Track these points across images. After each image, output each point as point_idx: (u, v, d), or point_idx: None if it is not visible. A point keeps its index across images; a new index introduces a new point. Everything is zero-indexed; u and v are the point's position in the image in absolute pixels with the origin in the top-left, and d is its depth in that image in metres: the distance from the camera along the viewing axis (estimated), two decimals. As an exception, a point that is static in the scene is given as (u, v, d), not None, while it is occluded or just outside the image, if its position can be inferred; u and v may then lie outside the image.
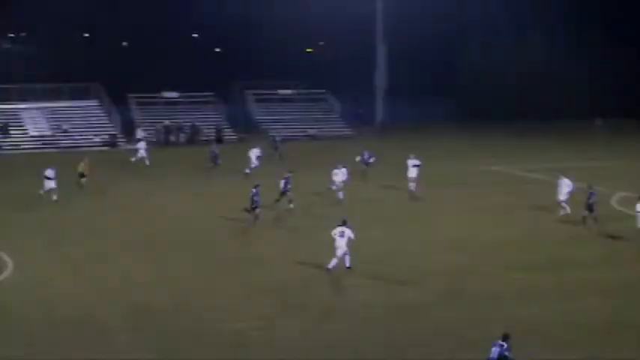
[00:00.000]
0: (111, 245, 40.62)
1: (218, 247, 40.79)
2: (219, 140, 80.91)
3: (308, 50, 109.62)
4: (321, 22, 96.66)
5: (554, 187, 47.28)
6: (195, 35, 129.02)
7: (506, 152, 75.27)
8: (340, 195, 50.96)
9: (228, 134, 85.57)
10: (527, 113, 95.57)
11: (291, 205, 48.15)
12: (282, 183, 48.25)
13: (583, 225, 43.79)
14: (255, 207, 44.12)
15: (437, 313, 31.04)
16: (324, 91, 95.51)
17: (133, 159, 66.85)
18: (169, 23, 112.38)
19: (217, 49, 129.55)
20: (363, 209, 48.23)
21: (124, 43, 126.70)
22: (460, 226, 45.24)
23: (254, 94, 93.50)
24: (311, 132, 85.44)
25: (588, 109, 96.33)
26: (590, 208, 43.86)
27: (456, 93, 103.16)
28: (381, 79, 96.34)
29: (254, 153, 61.92)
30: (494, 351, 24.58)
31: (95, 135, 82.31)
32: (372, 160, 59.13)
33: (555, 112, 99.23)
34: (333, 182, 51.68)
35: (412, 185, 52.96)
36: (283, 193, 48.17)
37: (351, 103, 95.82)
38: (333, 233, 35.73)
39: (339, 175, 51.61)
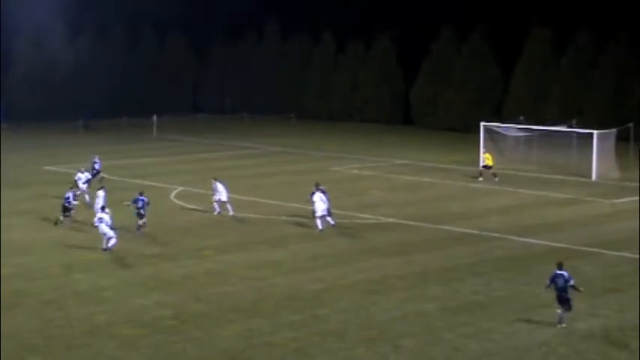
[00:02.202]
0: None
1: None
2: None
3: None
4: None
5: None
6: None
7: (58, 152, 74.27)
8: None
9: None
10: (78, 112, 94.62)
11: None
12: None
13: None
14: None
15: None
16: None
17: None
18: None
19: None
20: None
21: None
22: (19, 229, 43.97)
23: None
24: None
25: (144, 105, 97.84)
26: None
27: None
28: None
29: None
30: (560, 281, 28.21)
31: None
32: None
33: (111, 109, 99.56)
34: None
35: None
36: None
37: None
38: None
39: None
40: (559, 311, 29.27)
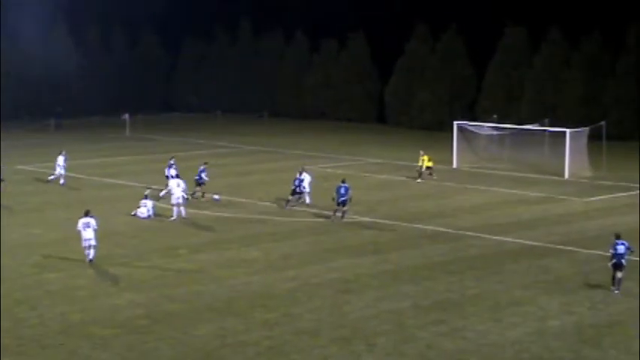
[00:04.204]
0: None
1: None
2: None
3: None
4: None
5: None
6: None
7: (31, 152, 73.82)
8: None
9: None
10: (53, 111, 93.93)
11: None
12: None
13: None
14: None
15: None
16: None
17: None
18: None
19: None
20: None
21: None
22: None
23: None
24: None
25: (117, 104, 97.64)
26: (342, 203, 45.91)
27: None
28: None
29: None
30: (621, 248, 33.12)
31: None
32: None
33: (84, 108, 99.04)
34: None
35: None
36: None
37: None
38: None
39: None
40: (619, 275, 33.10)
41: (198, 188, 51.52)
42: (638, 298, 32.47)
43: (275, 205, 50.30)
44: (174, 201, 46.48)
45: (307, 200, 50.23)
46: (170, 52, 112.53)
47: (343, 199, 45.82)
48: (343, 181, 46.90)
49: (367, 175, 62.58)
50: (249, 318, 30.20)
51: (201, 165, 52.70)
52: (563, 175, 60.69)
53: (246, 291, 33.50)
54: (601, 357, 26.89)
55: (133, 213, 47.01)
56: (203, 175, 51.92)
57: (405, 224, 45.64)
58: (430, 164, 59.76)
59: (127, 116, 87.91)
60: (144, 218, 46.43)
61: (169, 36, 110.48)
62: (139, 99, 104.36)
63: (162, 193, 49.93)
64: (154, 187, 53.49)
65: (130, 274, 35.76)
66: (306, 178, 50.42)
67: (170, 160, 54.31)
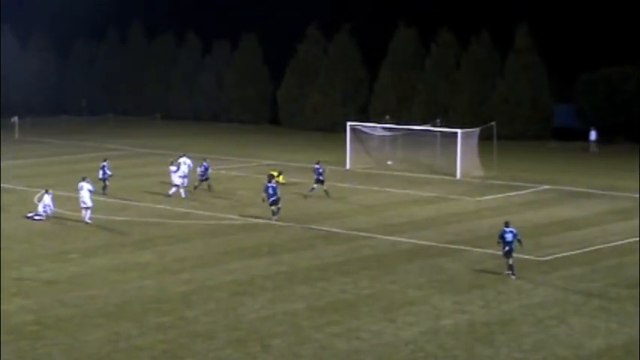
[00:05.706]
0: None
1: None
2: None
3: None
4: None
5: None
6: None
7: None
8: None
9: None
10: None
11: None
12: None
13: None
14: None
15: None
16: None
17: None
18: None
19: None
20: None
21: None
22: None
23: None
24: None
25: (6, 106, 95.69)
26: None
27: None
28: None
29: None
30: (509, 236, 34.80)
31: None
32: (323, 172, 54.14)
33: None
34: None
35: None
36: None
37: None
38: None
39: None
40: (510, 262, 35.16)
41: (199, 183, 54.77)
42: (529, 297, 33.14)
43: (168, 207, 49.86)
44: (81, 204, 45.76)
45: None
46: (60, 54, 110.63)
47: (273, 198, 46.16)
48: (270, 181, 46.93)
49: (261, 176, 62.29)
50: (143, 322, 29.84)
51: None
52: (455, 175, 61.47)
53: (139, 295, 33.10)
54: (494, 354, 27.25)
55: (29, 215, 46.09)
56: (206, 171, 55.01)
57: (299, 225, 45.66)
58: (282, 181, 58.27)
59: (16, 119, 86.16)
60: (41, 216, 45.64)
61: (59, 37, 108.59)
62: (28, 101, 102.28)
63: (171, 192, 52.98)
64: (42, 190, 52.60)
65: (20, 279, 35.03)
66: (186, 162, 55.31)
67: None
